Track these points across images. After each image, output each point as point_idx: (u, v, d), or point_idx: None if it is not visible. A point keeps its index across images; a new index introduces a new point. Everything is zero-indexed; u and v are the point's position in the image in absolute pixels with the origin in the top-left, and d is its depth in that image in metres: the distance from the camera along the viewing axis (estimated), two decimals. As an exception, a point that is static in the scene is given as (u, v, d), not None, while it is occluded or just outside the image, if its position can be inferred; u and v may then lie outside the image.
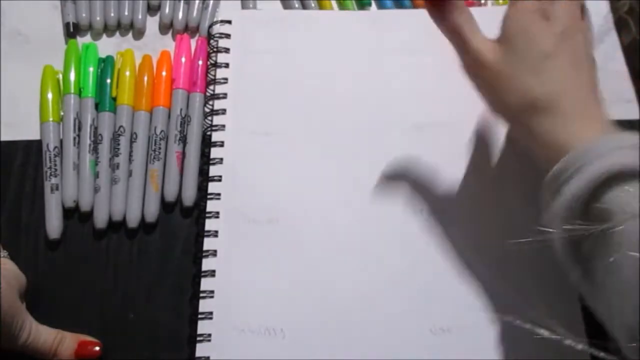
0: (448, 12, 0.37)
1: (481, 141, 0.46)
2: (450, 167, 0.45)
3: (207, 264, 0.42)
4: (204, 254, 0.43)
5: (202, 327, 0.41)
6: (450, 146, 0.46)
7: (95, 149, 0.47)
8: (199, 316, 0.41)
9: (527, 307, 0.41)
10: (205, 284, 0.42)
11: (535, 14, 0.37)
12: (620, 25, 0.52)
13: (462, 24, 0.37)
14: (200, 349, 0.40)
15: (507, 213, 0.44)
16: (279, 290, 0.42)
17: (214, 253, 0.43)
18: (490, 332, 0.40)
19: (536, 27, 0.37)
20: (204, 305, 0.41)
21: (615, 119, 0.48)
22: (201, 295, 0.41)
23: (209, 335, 0.40)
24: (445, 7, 0.37)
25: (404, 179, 0.45)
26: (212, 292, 0.42)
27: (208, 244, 0.43)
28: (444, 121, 0.47)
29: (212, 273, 0.42)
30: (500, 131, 0.46)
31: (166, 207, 0.46)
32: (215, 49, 0.50)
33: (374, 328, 0.41)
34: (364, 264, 0.42)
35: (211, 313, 0.41)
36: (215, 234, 0.43)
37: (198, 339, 0.40)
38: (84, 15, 0.51)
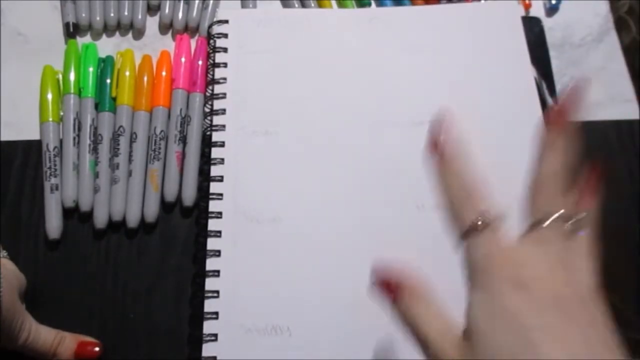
0: (398, 298, 0.30)
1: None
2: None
3: (211, 264, 0.42)
4: (207, 254, 0.43)
5: (208, 327, 0.41)
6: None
7: (95, 149, 0.47)
8: (205, 316, 0.41)
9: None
10: (210, 284, 0.42)
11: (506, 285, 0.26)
12: (620, 25, 0.52)
13: (415, 313, 0.29)
14: (207, 349, 0.40)
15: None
16: (284, 289, 0.42)
17: (218, 253, 0.43)
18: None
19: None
20: (209, 306, 0.41)
21: (615, 119, 0.49)
22: (206, 295, 0.41)
23: (215, 335, 0.40)
24: (395, 292, 0.30)
25: (404, 175, 0.45)
26: (217, 292, 0.42)
27: (211, 244, 0.43)
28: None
29: (216, 273, 0.42)
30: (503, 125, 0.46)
31: (166, 207, 0.46)
32: (213, 49, 0.50)
33: (380, 326, 0.41)
34: (368, 261, 0.42)
35: (217, 313, 0.41)
36: (218, 234, 0.43)
37: (204, 339, 0.40)
38: (83, 15, 0.51)
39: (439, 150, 0.31)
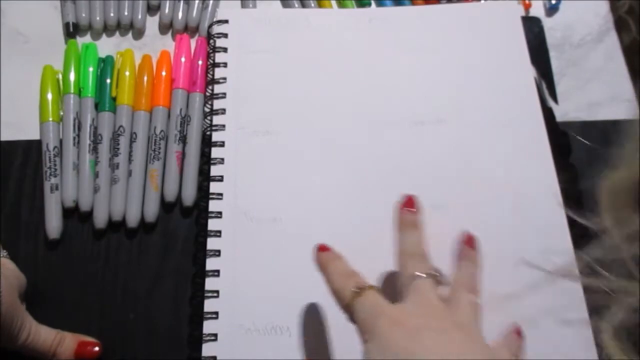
0: None
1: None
2: (450, 163, 0.45)
3: (211, 263, 0.42)
4: (207, 254, 0.43)
5: (208, 327, 0.41)
6: (450, 142, 0.46)
7: (95, 149, 0.47)
8: (205, 316, 0.41)
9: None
10: (210, 283, 0.42)
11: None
12: (620, 25, 0.52)
13: None
14: (207, 349, 0.40)
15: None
16: (284, 289, 0.42)
17: (218, 253, 0.43)
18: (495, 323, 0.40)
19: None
20: (209, 305, 0.41)
21: (615, 119, 0.49)
22: (206, 295, 0.41)
23: (215, 335, 0.40)
24: None
25: (404, 175, 0.45)
26: (217, 292, 0.42)
27: (211, 243, 0.43)
28: (444, 118, 0.47)
29: (216, 273, 0.42)
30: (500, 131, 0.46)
31: (166, 207, 0.46)
32: (213, 49, 0.50)
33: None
34: (368, 261, 0.42)
35: (216, 313, 0.41)
36: (218, 233, 0.43)
37: (204, 339, 0.40)
38: (83, 15, 0.51)
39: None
